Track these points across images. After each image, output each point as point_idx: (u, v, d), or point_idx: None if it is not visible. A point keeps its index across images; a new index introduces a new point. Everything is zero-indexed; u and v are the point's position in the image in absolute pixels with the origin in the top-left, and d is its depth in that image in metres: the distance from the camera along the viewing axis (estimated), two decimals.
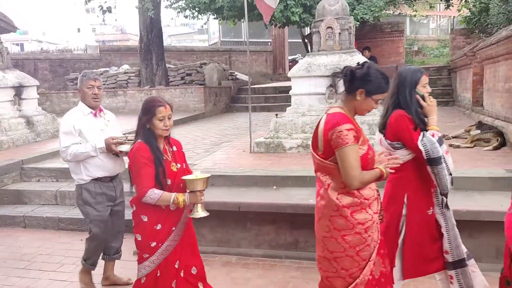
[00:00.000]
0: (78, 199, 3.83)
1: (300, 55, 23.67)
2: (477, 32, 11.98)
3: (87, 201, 3.77)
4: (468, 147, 6.01)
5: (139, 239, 3.01)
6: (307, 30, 16.57)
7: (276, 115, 6.75)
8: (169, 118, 2.99)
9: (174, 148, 3.15)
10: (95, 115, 3.78)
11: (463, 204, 4.21)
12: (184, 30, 57.93)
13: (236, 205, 4.75)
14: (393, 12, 14.00)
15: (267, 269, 4.43)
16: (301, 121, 6.49)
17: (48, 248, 5.21)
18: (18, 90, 8.77)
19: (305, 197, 4.71)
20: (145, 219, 2.96)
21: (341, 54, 6.59)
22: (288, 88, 14.52)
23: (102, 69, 16.23)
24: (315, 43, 6.83)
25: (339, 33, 6.64)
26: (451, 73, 12.82)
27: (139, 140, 2.99)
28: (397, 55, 13.52)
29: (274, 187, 5.10)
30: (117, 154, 3.72)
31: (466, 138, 6.53)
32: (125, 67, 16.28)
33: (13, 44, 42.49)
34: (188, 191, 2.94)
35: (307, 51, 15.37)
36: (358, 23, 10.66)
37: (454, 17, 28.20)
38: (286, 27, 14.76)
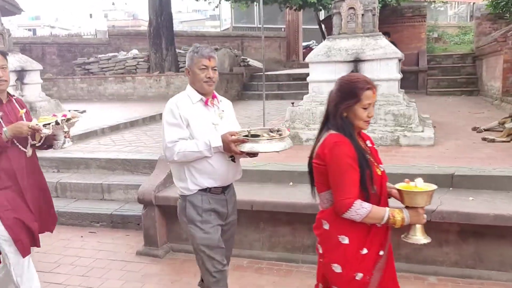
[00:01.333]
0: (182, 214, 2.96)
1: (314, 41, 23.02)
2: (507, 16, 11.26)
3: (193, 219, 2.87)
4: (504, 141, 5.47)
5: (338, 270, 2.26)
6: (322, 15, 15.92)
7: (292, 103, 6.24)
8: (373, 106, 2.27)
9: (369, 144, 2.43)
10: (206, 103, 2.87)
11: (508, 207, 3.70)
12: (196, 16, 57.28)
13: (249, 203, 4.28)
14: None
15: (282, 276, 3.99)
16: (319, 111, 5.97)
17: (46, 245, 4.79)
18: (20, 74, 8.37)
19: None
20: (346, 241, 2.24)
21: (364, 38, 6.04)
22: (303, 76, 14.09)
23: (111, 54, 15.80)
24: (336, 25, 6.29)
25: (362, 15, 6.08)
26: (476, 61, 12.15)
27: (332, 132, 2.26)
28: (418, 41, 12.85)
29: (291, 183, 4.62)
30: (233, 157, 2.85)
31: (500, 131, 5.97)
32: (134, 51, 15.82)
33: (26, 29, 42.32)
34: (405, 205, 2.24)
35: (323, 37, 14.75)
36: (379, 5, 10.03)
37: (474, 3, 27.31)
38: (301, 11, 14.11)
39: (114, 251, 4.64)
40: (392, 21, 12.11)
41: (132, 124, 8.98)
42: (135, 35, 18.91)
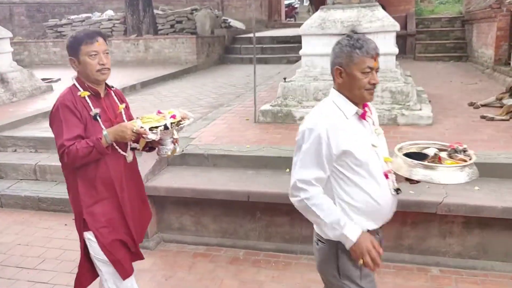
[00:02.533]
0: (330, 266, 2.17)
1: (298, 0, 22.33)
2: None
3: (350, 274, 2.12)
4: (503, 120, 5.32)
5: None
6: None
7: (285, 79, 5.92)
8: None
9: None
10: (363, 117, 2.09)
11: None
12: None
13: (245, 194, 4.07)
14: None
15: (281, 269, 3.84)
16: (313, 87, 5.69)
17: (28, 236, 4.54)
18: None
19: None
20: None
21: (360, 8, 5.69)
22: (287, 39, 13.67)
23: (84, 15, 14.94)
24: None
25: None
26: (465, 25, 11.89)
27: None
28: (407, 3, 12.46)
29: (288, 170, 4.38)
30: (399, 189, 2.15)
31: (498, 107, 5.82)
32: (109, 13, 14.98)
33: None
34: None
35: None
36: None
37: None
38: None
39: None
40: None
41: None
42: None
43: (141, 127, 2.36)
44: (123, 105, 2.65)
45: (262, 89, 8.23)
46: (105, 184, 2.50)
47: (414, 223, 3.79)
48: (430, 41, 12.29)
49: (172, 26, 14.24)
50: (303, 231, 4.09)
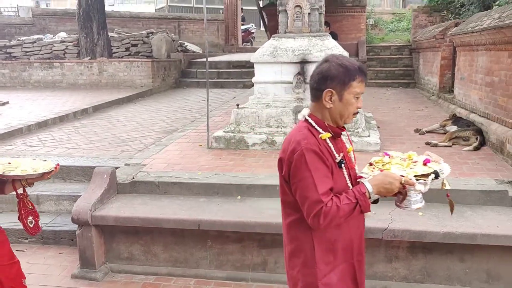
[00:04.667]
0: None
1: (253, 24, 22.73)
2: (445, 13, 11.58)
3: None
4: (446, 146, 5.56)
5: None
6: (262, 1, 15.60)
7: (238, 105, 5.97)
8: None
9: None
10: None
11: (456, 223, 3.73)
12: None
13: (196, 222, 4.03)
14: None
15: None
16: (265, 113, 5.77)
17: None
18: None
19: (276, 212, 4.03)
20: None
21: (310, 38, 5.87)
22: (242, 63, 13.82)
23: (36, 36, 14.53)
24: (282, 23, 6.06)
25: (309, 13, 5.91)
26: (412, 53, 12.45)
27: None
28: (358, 32, 12.95)
29: (239, 197, 4.41)
30: None
31: (441, 133, 6.08)
32: (62, 34, 14.68)
33: None
34: None
35: (265, 24, 14.48)
36: None
37: None
38: None
39: (46, 273, 4.20)
40: (332, 10, 12.07)
41: (61, 119, 8.29)
42: (63, 15, 17.55)
43: (409, 179, 1.88)
44: (351, 147, 2.15)
45: (217, 114, 8.25)
46: (344, 248, 2.06)
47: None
48: (380, 68, 12.77)
49: (127, 49, 14.12)
50: (254, 258, 4.09)
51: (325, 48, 5.70)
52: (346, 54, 5.74)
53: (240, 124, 5.82)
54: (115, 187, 4.58)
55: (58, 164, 2.52)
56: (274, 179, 4.52)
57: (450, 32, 7.82)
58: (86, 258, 4.20)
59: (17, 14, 20.14)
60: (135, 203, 4.36)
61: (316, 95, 1.99)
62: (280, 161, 2.02)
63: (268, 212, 4.04)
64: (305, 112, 2.04)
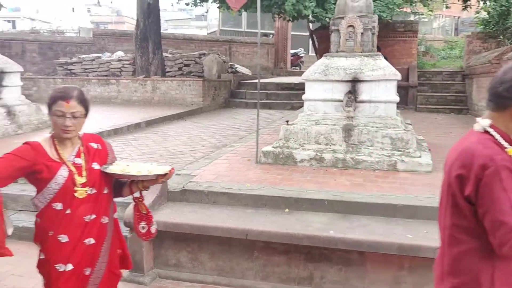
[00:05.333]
0: None
1: (302, 49, 22.94)
2: (501, 37, 11.31)
3: None
4: None
5: None
6: (313, 25, 15.77)
7: (287, 122, 6.03)
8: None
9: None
10: None
11: None
12: (182, 15, 56.73)
13: (244, 232, 4.06)
14: (400, 10, 13.30)
15: None
16: (314, 130, 5.79)
17: (22, 267, 4.48)
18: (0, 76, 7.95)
19: (323, 226, 4.03)
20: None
21: (362, 57, 5.88)
22: (291, 85, 13.97)
23: (95, 55, 15.35)
24: (334, 43, 6.12)
25: (362, 33, 5.93)
26: (465, 79, 12.17)
27: None
28: (409, 56, 12.82)
29: (287, 210, 4.41)
30: None
31: None
32: (119, 53, 15.41)
33: (5, 20, 41.32)
34: None
35: (314, 47, 14.62)
36: None
37: (458, 17, 27.62)
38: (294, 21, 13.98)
39: None
40: (383, 35, 12.02)
41: (116, 132, 8.65)
42: (120, 36, 18.46)
43: None
44: None
45: (265, 132, 8.34)
46: None
47: (411, 268, 3.76)
48: (431, 93, 12.54)
49: (180, 68, 14.61)
50: (300, 272, 4.06)
51: (377, 67, 5.70)
52: (397, 74, 5.73)
53: (289, 140, 5.86)
54: (166, 195, 4.70)
55: (173, 168, 2.44)
56: (322, 194, 4.51)
57: (506, 56, 7.60)
58: (135, 262, 4.29)
59: (78, 34, 21.34)
60: (184, 211, 4.46)
61: (504, 104, 1.71)
62: (460, 178, 1.70)
63: (316, 226, 4.02)
64: (486, 122, 1.76)
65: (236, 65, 16.43)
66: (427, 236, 3.70)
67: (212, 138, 8.35)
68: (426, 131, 8.27)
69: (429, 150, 6.20)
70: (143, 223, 2.60)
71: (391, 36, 12.77)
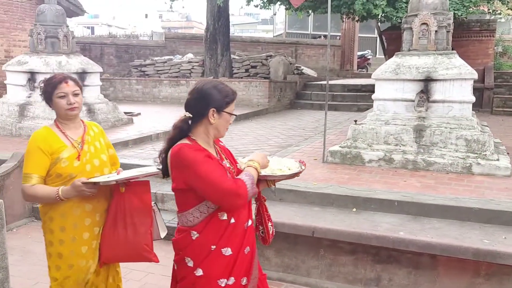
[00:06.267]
0: None
1: (369, 51, 22.48)
2: None
3: None
4: None
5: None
6: (382, 25, 15.42)
7: (355, 121, 5.95)
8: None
9: None
10: None
11: None
12: (248, 19, 57.65)
13: (310, 229, 4.05)
14: (476, 9, 12.64)
15: None
16: (384, 130, 5.67)
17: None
18: (82, 76, 8.48)
19: (392, 227, 3.95)
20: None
21: (436, 56, 5.68)
22: (358, 87, 13.74)
23: (166, 57, 15.98)
24: (406, 41, 5.96)
25: (436, 31, 5.73)
26: None
27: None
28: (485, 57, 12.15)
29: (354, 209, 4.36)
30: None
31: None
32: (189, 55, 15.93)
33: (85, 27, 44.02)
34: None
35: (383, 48, 14.30)
36: None
37: None
38: (363, 21, 13.74)
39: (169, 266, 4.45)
40: (456, 35, 11.48)
41: None
42: (190, 39, 19.08)
43: None
44: None
45: (331, 132, 8.27)
46: None
47: (487, 275, 3.58)
48: (509, 96, 11.81)
49: (247, 70, 14.83)
50: (367, 273, 3.99)
51: (452, 66, 5.48)
52: (474, 73, 5.48)
53: (357, 140, 5.78)
54: None
55: (304, 163, 2.37)
56: (392, 194, 4.42)
57: None
58: None
59: (151, 38, 22.30)
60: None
61: None
62: None
63: (385, 226, 3.95)
64: None
65: (302, 67, 16.41)
66: (506, 242, 3.52)
67: (278, 138, 8.41)
68: (504, 134, 7.82)
69: (507, 153, 5.86)
70: (269, 224, 2.43)
71: (465, 36, 12.17)
